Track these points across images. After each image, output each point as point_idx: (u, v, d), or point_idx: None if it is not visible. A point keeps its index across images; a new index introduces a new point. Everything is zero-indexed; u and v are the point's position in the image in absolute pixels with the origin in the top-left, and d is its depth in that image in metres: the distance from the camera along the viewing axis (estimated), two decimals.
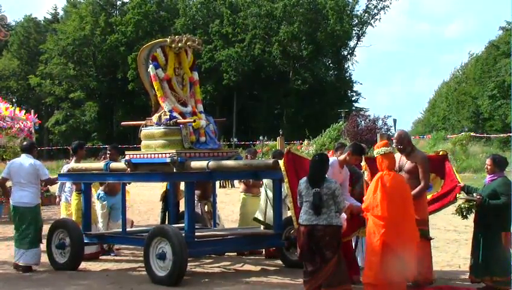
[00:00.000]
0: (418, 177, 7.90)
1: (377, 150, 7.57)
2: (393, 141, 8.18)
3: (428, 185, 8.05)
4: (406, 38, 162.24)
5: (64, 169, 11.02)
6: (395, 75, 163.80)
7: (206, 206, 10.97)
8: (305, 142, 41.12)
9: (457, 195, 8.15)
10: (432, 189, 8.42)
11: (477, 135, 42.02)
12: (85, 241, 9.77)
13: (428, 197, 8.36)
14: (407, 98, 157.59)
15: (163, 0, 66.75)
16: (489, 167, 8.00)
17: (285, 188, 8.34)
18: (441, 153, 8.78)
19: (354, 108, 61.12)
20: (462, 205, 8.05)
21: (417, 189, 7.80)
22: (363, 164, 8.20)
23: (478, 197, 7.85)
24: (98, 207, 11.01)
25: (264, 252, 10.62)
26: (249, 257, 10.61)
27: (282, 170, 8.04)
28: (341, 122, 42.58)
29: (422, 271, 7.68)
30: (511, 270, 7.63)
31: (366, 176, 8.09)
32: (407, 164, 7.98)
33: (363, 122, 39.45)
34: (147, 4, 64.13)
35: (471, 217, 8.11)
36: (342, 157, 7.98)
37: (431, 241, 8.21)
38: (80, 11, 65.13)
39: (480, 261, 7.83)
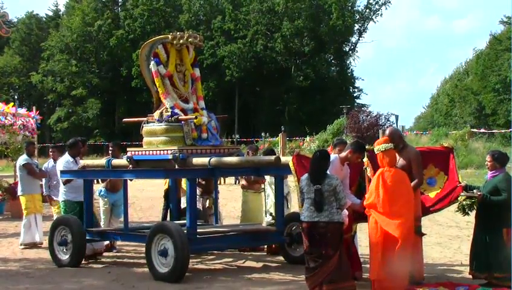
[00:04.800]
0: (410, 173, 7.87)
1: (378, 147, 7.56)
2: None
3: (422, 181, 8.02)
4: (416, 33, 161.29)
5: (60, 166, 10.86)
6: (403, 70, 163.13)
7: (207, 201, 10.99)
8: (307, 138, 41.14)
9: (460, 194, 8.11)
10: (436, 184, 8.38)
11: (479, 131, 41.94)
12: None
13: (432, 195, 8.33)
14: (413, 94, 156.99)
15: None
16: (489, 164, 7.96)
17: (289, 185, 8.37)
18: (445, 145, 8.73)
19: (356, 104, 61.11)
20: (464, 202, 8.03)
21: (411, 185, 7.77)
22: (365, 160, 8.18)
23: (478, 193, 7.83)
24: (100, 204, 11.03)
25: (266, 248, 10.62)
26: (250, 253, 10.62)
27: (291, 169, 8.04)
28: (343, 118, 42.60)
29: (414, 267, 7.67)
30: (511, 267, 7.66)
31: (369, 171, 8.07)
32: (400, 161, 7.95)
33: (364, 118, 39.43)
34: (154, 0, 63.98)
35: (473, 213, 8.10)
36: (343, 154, 7.96)
37: (423, 237, 8.20)
38: (82, 7, 65.14)
39: (481, 257, 7.82)
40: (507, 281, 7.57)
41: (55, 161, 11.63)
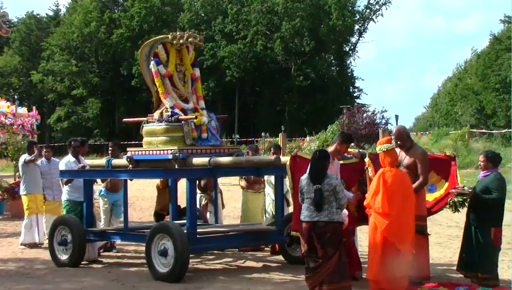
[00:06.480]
0: (416, 172, 7.89)
1: (380, 147, 7.56)
2: (392, 136, 8.17)
3: (427, 180, 8.02)
4: (418, 33, 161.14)
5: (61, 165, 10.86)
6: (405, 70, 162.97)
7: (204, 199, 10.98)
8: (307, 138, 41.12)
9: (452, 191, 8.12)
10: (436, 190, 8.39)
11: (478, 130, 41.93)
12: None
13: (431, 199, 8.33)
14: (414, 94, 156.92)
15: None
16: (482, 164, 7.98)
17: (288, 185, 8.40)
18: (448, 153, 8.75)
19: (356, 104, 61.07)
20: (456, 199, 8.02)
21: (416, 184, 7.77)
22: (366, 160, 8.20)
23: (470, 191, 7.84)
24: (100, 204, 11.02)
25: (271, 248, 10.60)
26: (251, 253, 10.61)
27: (287, 173, 8.04)
28: (342, 118, 42.58)
29: (418, 267, 7.67)
30: (496, 266, 7.71)
31: (370, 171, 8.08)
32: (406, 159, 7.97)
33: (360, 117, 39.42)
34: None
35: (464, 211, 8.09)
36: (332, 148, 7.96)
37: (428, 237, 8.20)
38: (84, 6, 65.12)
39: (468, 256, 7.83)
40: (495, 280, 7.61)
41: (47, 159, 11.75)
